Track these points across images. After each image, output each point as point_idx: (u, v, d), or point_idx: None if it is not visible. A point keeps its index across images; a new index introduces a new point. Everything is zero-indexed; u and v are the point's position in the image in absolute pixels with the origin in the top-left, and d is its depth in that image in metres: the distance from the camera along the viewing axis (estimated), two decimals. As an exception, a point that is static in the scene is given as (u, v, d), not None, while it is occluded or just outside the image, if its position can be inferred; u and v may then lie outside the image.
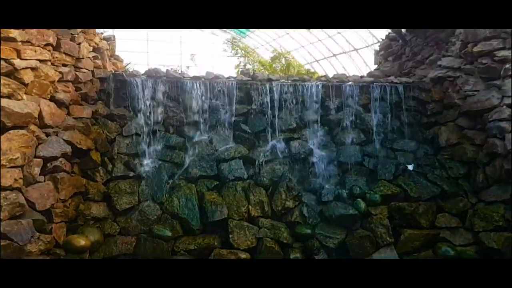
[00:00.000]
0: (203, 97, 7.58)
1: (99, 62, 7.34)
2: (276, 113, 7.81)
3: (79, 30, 6.70)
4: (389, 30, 10.25)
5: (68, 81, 6.41)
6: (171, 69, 17.13)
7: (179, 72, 9.83)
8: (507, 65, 6.63)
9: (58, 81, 6.18)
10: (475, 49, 7.13)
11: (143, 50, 28.18)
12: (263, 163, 7.38)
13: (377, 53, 11.19)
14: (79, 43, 6.69)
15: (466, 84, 7.31)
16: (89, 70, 6.98)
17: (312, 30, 20.48)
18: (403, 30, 10.18)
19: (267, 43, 28.35)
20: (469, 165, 7.21)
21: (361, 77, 8.97)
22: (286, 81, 8.17)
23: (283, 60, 19.08)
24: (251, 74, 8.34)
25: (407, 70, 9.02)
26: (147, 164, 6.99)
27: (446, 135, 7.56)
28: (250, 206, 6.74)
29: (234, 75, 11.68)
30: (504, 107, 6.63)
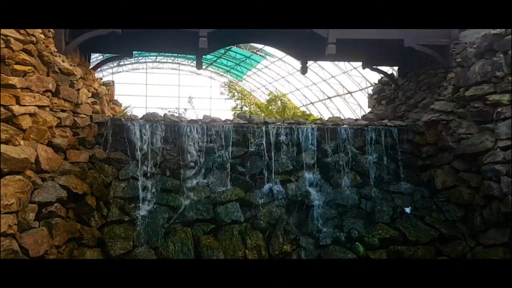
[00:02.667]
0: (200, 140, 7.65)
1: (97, 107, 7.45)
2: (273, 155, 7.85)
3: (78, 76, 6.84)
4: (381, 75, 10.50)
5: (66, 126, 6.48)
6: (169, 112, 17.33)
7: (177, 115, 9.96)
8: (499, 109, 6.76)
9: (56, 126, 6.25)
10: (467, 93, 7.29)
11: (142, 94, 28.67)
12: (260, 205, 7.35)
13: (370, 96, 11.42)
14: (78, 89, 6.82)
15: (459, 127, 7.42)
16: (87, 115, 7.07)
17: (307, 75, 20.93)
18: (395, 75, 10.45)
19: (263, 86, 28.92)
20: (466, 208, 7.19)
21: (356, 120, 9.10)
22: (282, 124, 8.28)
23: (279, 103, 19.36)
24: (248, 117, 8.46)
25: (401, 114, 9.17)
26: (142, 208, 6.95)
27: (442, 178, 7.59)
28: (247, 250, 6.64)
29: (231, 117, 11.84)
30: (498, 150, 6.71)
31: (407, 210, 7.52)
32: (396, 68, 10.89)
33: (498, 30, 7.03)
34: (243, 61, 27.35)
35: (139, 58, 28.06)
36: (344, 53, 8.80)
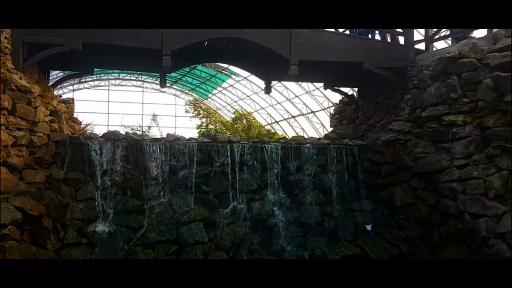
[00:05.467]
0: (163, 159, 7.54)
1: (55, 125, 7.23)
2: (237, 174, 7.84)
3: (36, 94, 6.64)
4: (342, 96, 10.79)
5: (22, 145, 6.25)
6: (132, 130, 17.02)
7: (139, 134, 9.81)
8: (454, 129, 7.06)
9: (11, 145, 6.02)
10: (423, 114, 7.58)
11: (104, 111, 28.09)
12: (224, 225, 7.29)
13: (332, 116, 11.69)
14: (36, 107, 6.61)
15: (416, 146, 7.68)
16: (44, 134, 6.85)
17: (272, 94, 21.19)
18: (355, 95, 10.77)
19: (229, 104, 29.03)
20: (425, 225, 7.41)
21: (318, 139, 9.27)
22: (246, 142, 8.31)
23: (244, 121, 19.45)
24: (212, 136, 8.45)
25: (361, 133, 9.42)
26: (101, 230, 6.73)
27: (401, 196, 7.81)
28: (210, 272, 6.53)
29: (197, 135, 11.78)
30: (454, 168, 6.97)
31: (368, 227, 7.67)
32: (356, 89, 11.22)
33: (452, 53, 7.40)
34: (208, 79, 27.40)
35: (101, 75, 27.57)
36: (307, 74, 9.01)
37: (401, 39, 9.15)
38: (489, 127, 6.52)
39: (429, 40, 8.93)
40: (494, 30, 7.12)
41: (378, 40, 9.50)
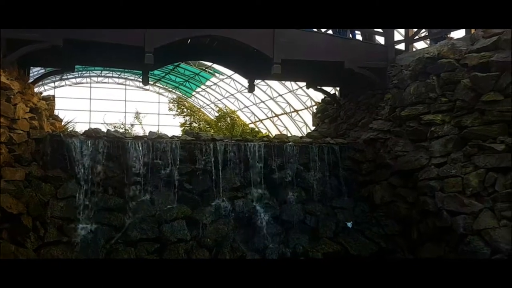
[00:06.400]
0: (145, 157, 7.51)
1: (35, 122, 7.14)
2: (220, 172, 7.86)
3: (16, 90, 6.54)
4: (324, 95, 10.89)
5: (1, 142, 6.15)
6: (114, 128, 16.88)
7: (121, 131, 9.74)
8: (433, 128, 7.21)
9: (-11, 142, 5.92)
10: (403, 113, 7.72)
11: (86, 109, 27.75)
12: (207, 223, 7.30)
13: (314, 115, 11.78)
14: (15, 104, 6.52)
15: (396, 145, 7.82)
16: (24, 131, 6.76)
17: (255, 93, 21.27)
18: (337, 95, 10.88)
19: (212, 103, 28.96)
20: (404, 223, 7.54)
21: (301, 137, 9.34)
22: (229, 141, 8.33)
23: (228, 119, 19.47)
24: (195, 134, 8.44)
25: (343, 132, 9.52)
26: (82, 228, 6.68)
27: (381, 194, 7.94)
28: (192, 270, 6.54)
29: (180, 133, 11.73)
30: (433, 167, 7.12)
31: (349, 224, 7.78)
32: (338, 88, 11.34)
33: (431, 54, 7.55)
34: (192, 77, 27.29)
35: (83, 72, 27.19)
36: (289, 73, 9.05)
37: (381, 39, 9.27)
38: (467, 126, 6.68)
39: (409, 41, 9.07)
40: (473, 31, 7.28)
41: (359, 40, 9.61)
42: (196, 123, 20.69)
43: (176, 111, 22.35)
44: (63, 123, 8.96)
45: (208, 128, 18.36)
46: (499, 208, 6.11)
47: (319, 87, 10.59)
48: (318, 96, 14.42)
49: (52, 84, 27.55)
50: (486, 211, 6.25)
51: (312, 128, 11.91)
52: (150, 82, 26.36)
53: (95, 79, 29.62)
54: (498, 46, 6.57)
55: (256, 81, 15.69)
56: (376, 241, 7.37)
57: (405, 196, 7.55)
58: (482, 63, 6.64)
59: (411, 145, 7.63)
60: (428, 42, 9.46)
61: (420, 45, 10.23)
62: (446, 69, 7.11)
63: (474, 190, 6.45)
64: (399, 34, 9.58)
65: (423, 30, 8.84)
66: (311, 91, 15.99)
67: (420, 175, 7.26)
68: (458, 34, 8.15)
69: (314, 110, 12.55)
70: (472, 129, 6.60)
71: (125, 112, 26.67)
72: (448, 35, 8.44)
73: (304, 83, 11.04)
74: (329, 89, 11.92)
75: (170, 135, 8.31)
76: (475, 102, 6.63)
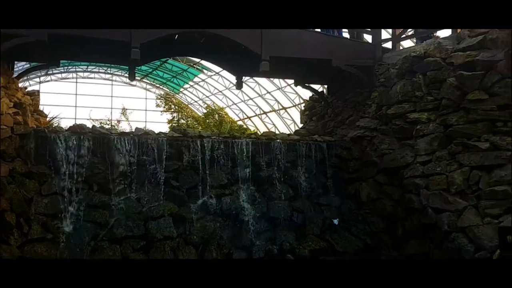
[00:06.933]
0: (131, 154, 7.44)
1: (20, 118, 7.02)
2: (208, 169, 7.83)
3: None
4: (312, 93, 10.92)
5: (-17, 138, 6.04)
6: (100, 124, 16.71)
7: (108, 127, 9.65)
8: (418, 126, 7.27)
9: (-28, 138, 5.81)
10: (389, 111, 7.77)
11: (71, 104, 27.40)
12: (194, 220, 7.28)
13: (302, 112, 11.81)
14: (-2, 99, 6.41)
15: (382, 143, 7.87)
16: (8, 127, 6.66)
17: (244, 90, 21.23)
18: (325, 93, 10.91)
19: (201, 99, 28.84)
20: (389, 220, 7.62)
21: (289, 135, 9.35)
22: (217, 138, 8.30)
23: (216, 116, 19.39)
24: (182, 130, 8.39)
25: (330, 129, 9.56)
26: (67, 225, 6.61)
27: (367, 191, 8.00)
28: (178, 267, 6.52)
29: (168, 130, 11.66)
30: (418, 164, 7.20)
31: (335, 221, 7.83)
32: (326, 86, 11.37)
33: (418, 52, 7.60)
34: (180, 73, 27.12)
35: (69, 67, 26.84)
36: (278, 70, 9.05)
37: (369, 38, 9.31)
38: (452, 125, 6.77)
39: (396, 39, 9.13)
40: (459, 30, 7.35)
41: (347, 38, 9.64)
42: (183, 120, 20.58)
43: (164, 107, 22.18)
44: (48, 119, 8.82)
45: (196, 125, 18.28)
46: (483, 205, 6.20)
47: (307, 84, 10.61)
48: (306, 94, 14.45)
49: (37, 79, 27.15)
50: (470, 208, 6.35)
51: (300, 125, 11.93)
52: (137, 78, 26.13)
53: (81, 74, 29.26)
54: (484, 45, 6.65)
55: (245, 78, 15.67)
56: (362, 238, 7.43)
57: (390, 193, 7.62)
58: (467, 62, 6.71)
59: (397, 143, 7.68)
60: (415, 41, 9.53)
61: (407, 43, 10.31)
62: (432, 67, 7.17)
63: (458, 188, 6.54)
64: (386, 33, 9.64)
65: (410, 28, 8.91)
66: (299, 89, 16.02)
67: (405, 173, 7.33)
68: (444, 33, 8.23)
69: (302, 108, 12.57)
70: (457, 128, 6.68)
71: (111, 108, 26.40)
72: (434, 34, 8.52)
73: (293, 81, 11.04)
74: (317, 87, 11.96)
75: (157, 131, 8.25)
76: (460, 100, 6.71)
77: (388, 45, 9.15)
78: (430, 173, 6.92)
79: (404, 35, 9.19)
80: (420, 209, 6.97)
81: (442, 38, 7.81)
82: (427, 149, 7.09)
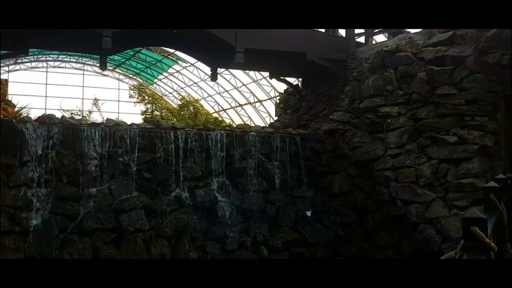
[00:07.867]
0: (102, 145, 7.30)
1: (-15, 107, 6.78)
2: (181, 161, 7.77)
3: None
4: (287, 86, 10.94)
5: None
6: (71, 114, 16.29)
7: (79, 118, 9.43)
8: (389, 120, 7.41)
9: None
10: (361, 105, 7.88)
11: (41, 94, 26.64)
12: (167, 212, 7.22)
13: (277, 105, 11.84)
14: (-38, 87, 6.16)
15: (354, 136, 7.99)
16: (-28, 116, 6.41)
17: (219, 82, 21.10)
18: (300, 86, 10.96)
19: (175, 91, 28.51)
20: (360, 212, 7.76)
21: (263, 127, 9.37)
22: (191, 130, 8.23)
23: (191, 108, 19.20)
24: (155, 122, 8.28)
25: (304, 123, 9.63)
26: (35, 217, 6.45)
27: (339, 183, 8.12)
28: (150, 259, 6.48)
29: (141, 121, 11.48)
30: (388, 157, 7.34)
31: (308, 213, 7.92)
32: (300, 79, 11.41)
33: (390, 47, 7.70)
34: (154, 64, 26.67)
35: (39, 56, 26.02)
36: (252, 62, 9.02)
37: (343, 32, 9.37)
38: (422, 119, 6.92)
39: (369, 34, 9.23)
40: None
41: (321, 31, 9.68)
42: (158, 111, 20.29)
43: (137, 98, 21.81)
44: (16, 109, 8.54)
45: (171, 117, 18.06)
46: (450, 198, 6.39)
47: (282, 77, 10.63)
48: (282, 87, 14.47)
49: (6, 68, 26.22)
50: (438, 200, 6.53)
51: (275, 118, 11.96)
52: (109, 68, 25.62)
53: (51, 63, 28.40)
54: (454, 41, 6.80)
55: (220, 70, 15.53)
56: (333, 229, 7.55)
57: (362, 186, 7.75)
58: (438, 57, 6.85)
59: (369, 137, 7.81)
60: (387, 35, 9.64)
61: (379, 38, 10.43)
62: (404, 62, 7.29)
63: (427, 181, 6.71)
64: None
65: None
66: (274, 82, 16.03)
67: (376, 166, 7.47)
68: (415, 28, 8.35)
69: (277, 101, 12.60)
70: (427, 122, 6.83)
71: (82, 99, 25.79)
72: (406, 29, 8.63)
73: (268, 74, 11.03)
74: (292, 80, 11.99)
75: (129, 123, 8.11)
76: (430, 95, 6.85)
77: (362, 39, 9.23)
78: (399, 166, 7.07)
79: (377, 30, 9.29)
80: (390, 201, 7.12)
81: (414, 33, 7.93)
82: (397, 142, 7.23)
